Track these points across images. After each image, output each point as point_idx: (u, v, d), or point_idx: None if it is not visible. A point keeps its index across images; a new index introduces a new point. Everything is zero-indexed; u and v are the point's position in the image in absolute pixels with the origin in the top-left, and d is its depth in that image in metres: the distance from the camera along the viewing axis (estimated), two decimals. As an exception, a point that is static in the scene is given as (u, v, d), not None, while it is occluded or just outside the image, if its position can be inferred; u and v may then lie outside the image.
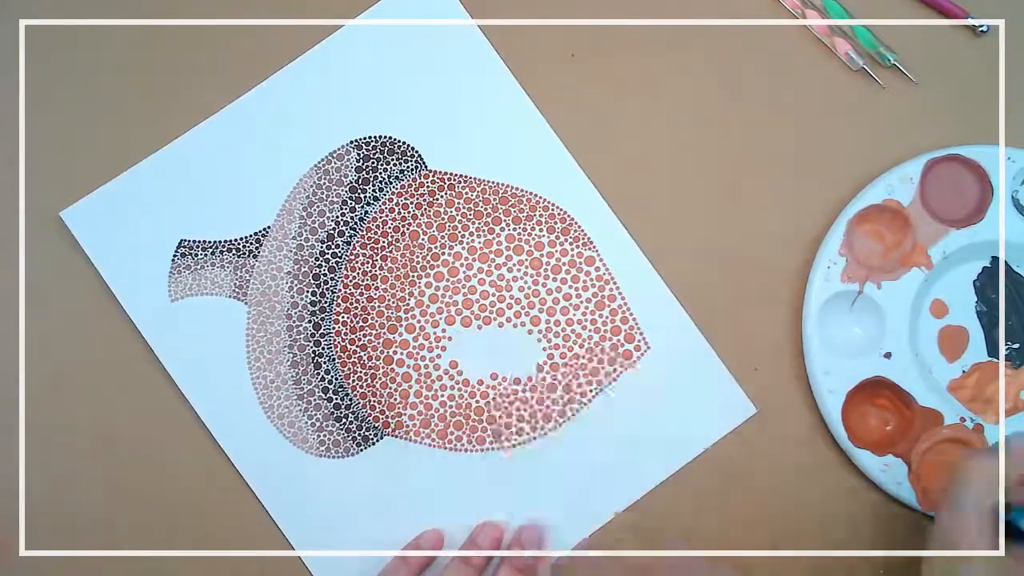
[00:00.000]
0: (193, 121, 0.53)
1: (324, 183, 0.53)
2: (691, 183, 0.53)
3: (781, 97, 0.53)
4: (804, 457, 0.52)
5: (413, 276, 0.53)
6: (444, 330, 0.53)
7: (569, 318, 0.52)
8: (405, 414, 0.52)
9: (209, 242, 0.53)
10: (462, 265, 0.53)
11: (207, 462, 0.52)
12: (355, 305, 0.53)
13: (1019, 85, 0.53)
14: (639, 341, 0.52)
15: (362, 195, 0.53)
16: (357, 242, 0.53)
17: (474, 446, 0.52)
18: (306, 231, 0.53)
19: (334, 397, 0.52)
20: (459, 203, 0.53)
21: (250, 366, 0.52)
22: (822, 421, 0.51)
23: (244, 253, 0.53)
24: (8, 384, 0.52)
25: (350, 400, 0.52)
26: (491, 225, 0.53)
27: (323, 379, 0.52)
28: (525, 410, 0.52)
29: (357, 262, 0.53)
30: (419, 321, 0.53)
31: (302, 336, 0.53)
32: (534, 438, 0.52)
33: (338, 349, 0.53)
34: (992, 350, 0.52)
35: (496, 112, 0.53)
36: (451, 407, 0.52)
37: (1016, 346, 0.52)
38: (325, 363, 0.53)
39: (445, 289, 0.53)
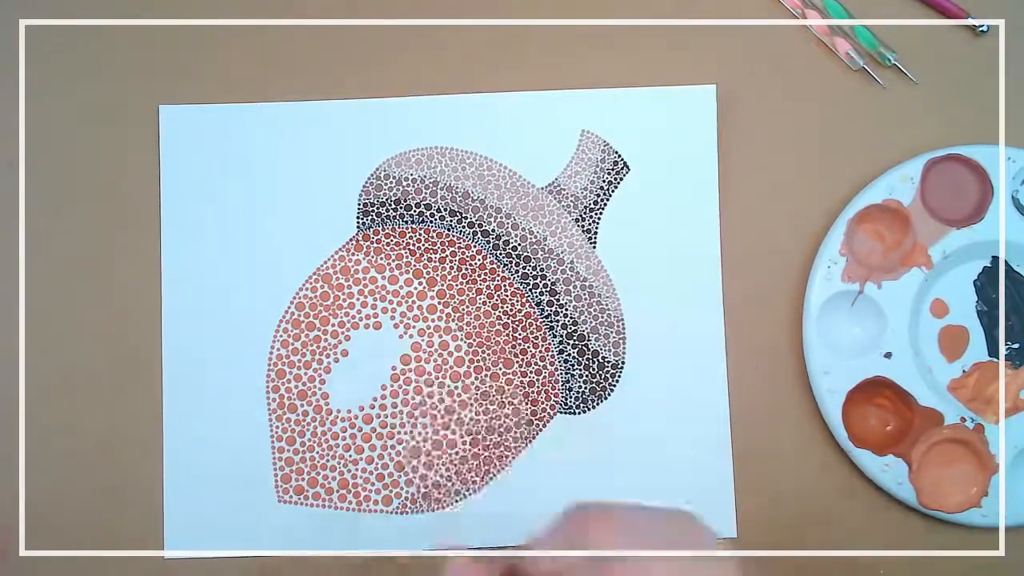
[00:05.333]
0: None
1: None
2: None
3: (781, 97, 0.53)
4: (804, 457, 0.52)
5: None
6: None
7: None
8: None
9: None
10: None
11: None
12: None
13: (1019, 85, 0.53)
14: None
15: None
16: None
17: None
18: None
19: None
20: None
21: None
22: (822, 421, 0.51)
23: None
24: (8, 384, 0.52)
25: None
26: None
27: None
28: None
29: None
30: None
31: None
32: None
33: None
34: (992, 350, 0.52)
35: None
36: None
37: (1016, 346, 0.52)
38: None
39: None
